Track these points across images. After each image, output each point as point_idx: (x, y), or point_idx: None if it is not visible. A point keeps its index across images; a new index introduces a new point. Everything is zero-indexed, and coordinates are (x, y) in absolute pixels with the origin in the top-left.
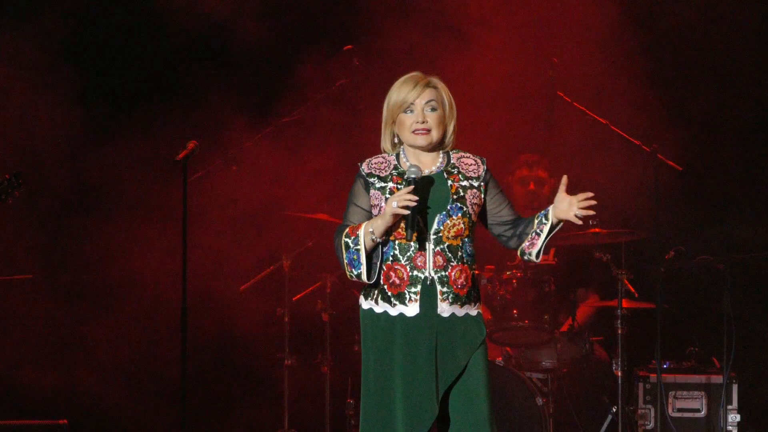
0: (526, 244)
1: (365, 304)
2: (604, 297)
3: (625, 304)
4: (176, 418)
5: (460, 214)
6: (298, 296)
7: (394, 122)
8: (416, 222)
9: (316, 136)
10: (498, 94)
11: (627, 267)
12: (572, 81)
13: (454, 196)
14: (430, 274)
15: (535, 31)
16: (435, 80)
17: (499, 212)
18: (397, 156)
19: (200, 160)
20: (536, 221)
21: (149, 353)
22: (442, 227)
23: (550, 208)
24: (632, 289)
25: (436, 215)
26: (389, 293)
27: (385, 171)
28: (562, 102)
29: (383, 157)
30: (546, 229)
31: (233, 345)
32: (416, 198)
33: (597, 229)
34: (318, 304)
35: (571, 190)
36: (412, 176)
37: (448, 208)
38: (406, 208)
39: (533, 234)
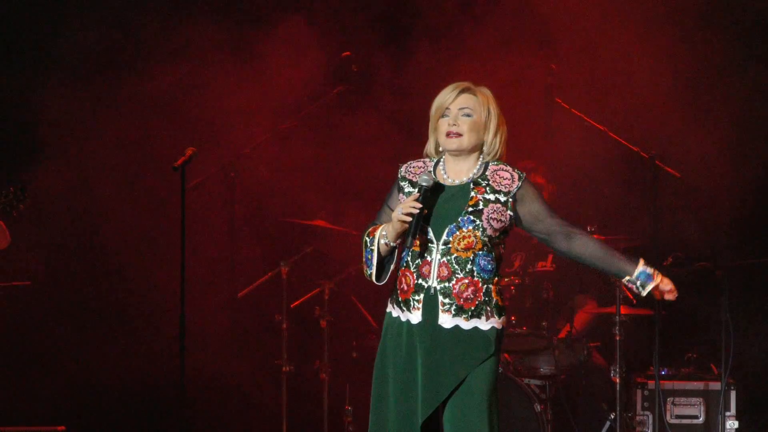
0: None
1: (388, 306)
2: (603, 303)
3: (623, 310)
4: (175, 424)
5: (471, 227)
6: (297, 303)
7: (436, 128)
8: (417, 229)
9: (314, 142)
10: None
11: None
12: (570, 87)
13: (469, 209)
14: (433, 284)
15: (533, 37)
16: (477, 88)
17: (535, 226)
18: (437, 163)
19: (198, 167)
20: (626, 280)
21: (147, 360)
22: (451, 238)
23: (651, 286)
24: (630, 296)
25: (446, 226)
26: (399, 299)
27: (419, 176)
28: (560, 108)
29: (423, 162)
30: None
31: (231, 351)
32: (420, 205)
33: (595, 236)
34: (316, 311)
35: (570, 196)
36: (423, 183)
37: (459, 219)
38: (410, 215)
39: (627, 285)
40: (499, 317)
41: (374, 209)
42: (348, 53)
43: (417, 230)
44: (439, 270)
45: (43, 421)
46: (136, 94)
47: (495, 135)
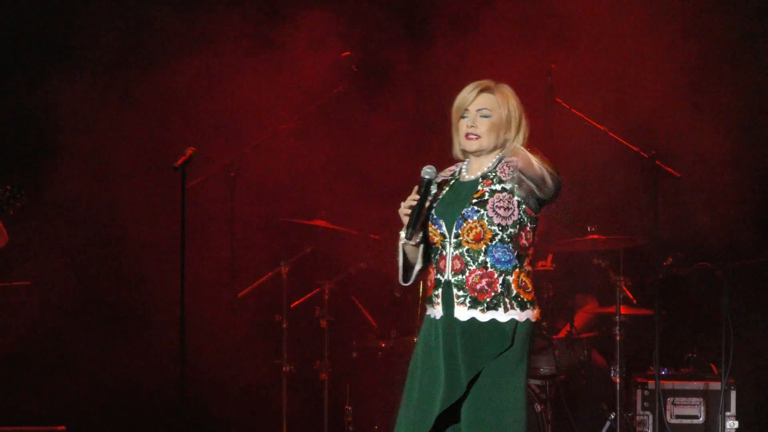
0: None
1: None
2: (603, 303)
3: (623, 310)
4: (174, 424)
5: (476, 218)
6: (297, 303)
7: (457, 129)
8: (418, 221)
9: (314, 142)
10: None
11: (625, 273)
12: (570, 87)
13: (474, 201)
14: (448, 278)
15: (532, 37)
16: (497, 87)
17: (540, 193)
18: (463, 165)
19: (198, 167)
20: None
21: (147, 359)
22: (460, 231)
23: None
24: (630, 296)
25: (455, 219)
26: (428, 295)
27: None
28: (560, 108)
29: (456, 166)
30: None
31: (231, 351)
32: (417, 196)
33: (595, 236)
34: (316, 311)
35: (570, 196)
36: (425, 176)
37: (463, 211)
38: (411, 207)
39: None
40: (522, 309)
41: (379, 208)
42: (348, 53)
43: (417, 222)
44: (452, 263)
45: (43, 421)
46: (145, 91)
47: (517, 132)
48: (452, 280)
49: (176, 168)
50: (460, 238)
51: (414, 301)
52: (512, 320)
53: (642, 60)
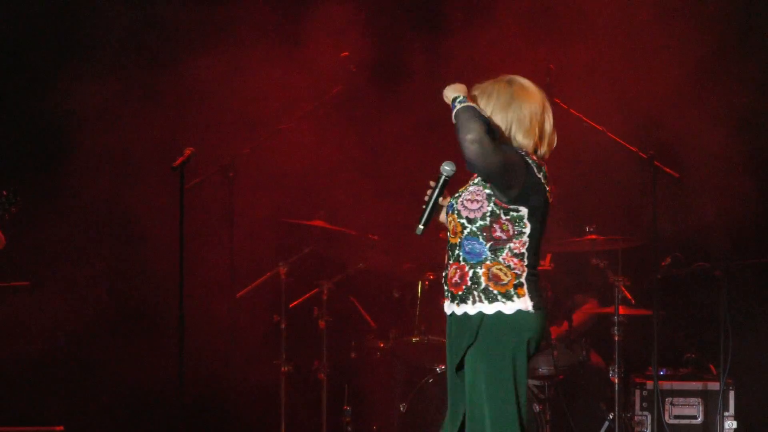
0: None
1: None
2: (601, 303)
3: (622, 310)
4: (173, 424)
5: (450, 212)
6: (295, 303)
7: None
8: (430, 216)
9: (313, 142)
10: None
11: (624, 273)
12: (569, 88)
13: (456, 195)
14: (443, 273)
15: (531, 37)
16: (484, 85)
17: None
18: None
19: (197, 167)
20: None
21: (146, 359)
22: (448, 226)
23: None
24: (629, 296)
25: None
26: None
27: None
28: (558, 109)
29: None
30: None
31: (230, 351)
32: (428, 191)
33: (594, 236)
34: (315, 311)
35: (569, 196)
36: (443, 173)
37: (447, 207)
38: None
39: None
40: (491, 302)
41: (378, 208)
42: (346, 53)
43: (429, 217)
44: (444, 258)
45: (42, 421)
46: (152, 90)
47: (498, 124)
48: (443, 275)
49: (174, 168)
50: (449, 233)
51: (413, 301)
52: (479, 313)
53: (645, 57)
